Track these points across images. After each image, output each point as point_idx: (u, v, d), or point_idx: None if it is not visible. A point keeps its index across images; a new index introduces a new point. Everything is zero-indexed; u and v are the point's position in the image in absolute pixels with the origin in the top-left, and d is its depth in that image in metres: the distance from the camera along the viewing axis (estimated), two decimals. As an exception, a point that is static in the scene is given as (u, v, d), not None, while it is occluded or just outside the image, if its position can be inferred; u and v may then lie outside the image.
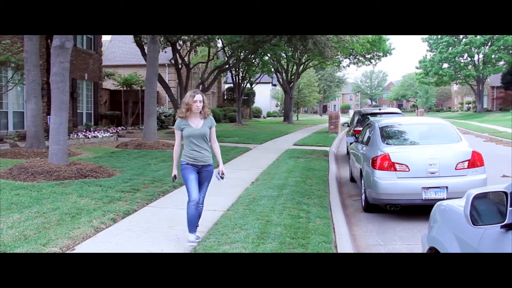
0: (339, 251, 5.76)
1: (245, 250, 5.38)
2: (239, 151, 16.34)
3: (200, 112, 5.78)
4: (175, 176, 5.99)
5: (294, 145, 19.77)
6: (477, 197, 2.48)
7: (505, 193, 2.41)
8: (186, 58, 25.90)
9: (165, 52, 24.91)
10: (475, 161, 7.55)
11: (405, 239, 6.56)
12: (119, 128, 23.81)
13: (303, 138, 23.31)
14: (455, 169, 7.48)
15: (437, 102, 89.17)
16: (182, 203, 7.90)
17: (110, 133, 20.07)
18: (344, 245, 5.99)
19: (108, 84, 28.76)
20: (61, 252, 5.28)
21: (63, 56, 10.14)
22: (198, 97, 5.71)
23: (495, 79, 59.54)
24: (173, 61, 24.63)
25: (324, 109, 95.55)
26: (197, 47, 27.47)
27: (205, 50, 29.43)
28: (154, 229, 6.37)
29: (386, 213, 7.90)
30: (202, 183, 5.92)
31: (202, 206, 5.94)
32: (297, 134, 27.33)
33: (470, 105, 67.44)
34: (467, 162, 7.52)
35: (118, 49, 34.71)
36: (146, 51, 19.24)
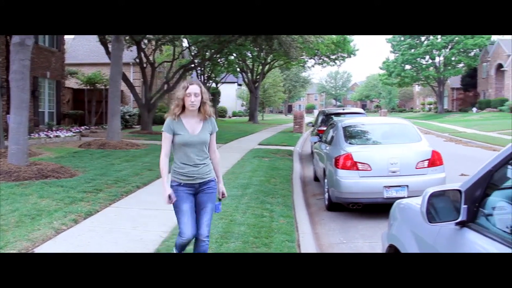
0: (302, 250, 5.81)
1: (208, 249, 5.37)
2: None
3: (199, 110, 4.24)
4: (169, 196, 4.18)
5: (259, 144, 19.81)
6: (434, 195, 2.54)
7: (460, 191, 2.48)
8: (151, 57, 25.64)
9: (130, 51, 24.59)
10: (434, 160, 7.74)
11: (367, 237, 6.67)
12: (82, 127, 23.38)
13: (268, 138, 23.40)
14: (416, 168, 7.65)
15: (400, 103, 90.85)
16: (145, 203, 7.86)
17: (73, 132, 19.69)
18: (307, 244, 6.05)
19: (71, 82, 28.21)
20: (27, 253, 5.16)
21: (23, 54, 9.90)
22: (193, 88, 4.15)
23: (455, 81, 61.08)
24: (137, 60, 24.34)
25: (290, 109, 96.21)
26: (162, 46, 27.21)
27: (171, 49, 29.18)
28: (117, 229, 6.29)
29: (348, 212, 8.01)
30: (203, 207, 4.31)
31: (208, 242, 4.41)
32: (262, 133, 27.41)
33: (431, 105, 68.94)
34: (427, 161, 7.71)
35: (81, 47, 34.05)
36: (110, 49, 18.96)
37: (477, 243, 2.33)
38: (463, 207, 2.44)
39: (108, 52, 20.51)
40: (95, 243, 5.68)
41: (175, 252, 4.51)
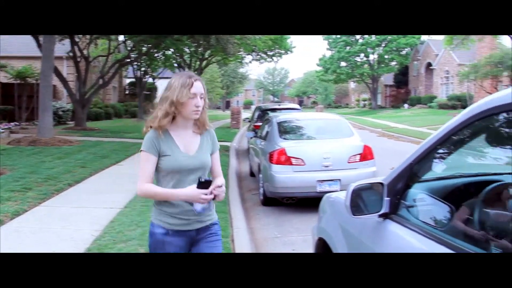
0: (236, 245, 5.82)
1: (140, 247, 5.27)
2: (139, 146, 15.81)
3: (198, 120, 2.88)
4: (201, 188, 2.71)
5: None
6: (358, 189, 2.60)
7: (382, 184, 2.55)
8: (85, 51, 24.87)
9: (63, 44, 23.73)
10: (366, 154, 7.96)
11: (301, 231, 6.76)
12: (12, 123, 22.31)
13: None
14: (348, 162, 7.83)
15: (336, 99, 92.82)
16: (78, 201, 7.62)
17: (2, 129, 18.79)
18: (242, 239, 6.07)
19: (0, 76, 26.90)
20: None
21: None
22: (199, 87, 2.78)
23: (388, 78, 63.15)
24: (71, 54, 23.55)
25: (227, 105, 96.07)
26: (97, 40, 26.44)
27: (106, 43, 28.42)
28: (47, 229, 6.06)
29: (283, 206, 8.10)
30: None
31: None
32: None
33: (365, 102, 70.87)
34: (358, 155, 7.91)
35: (11, 39, 32.52)
36: (41, 42, 18.22)
37: (398, 234, 2.40)
38: (385, 199, 2.50)
39: (39, 45, 19.72)
40: (22, 244, 5.45)
41: None
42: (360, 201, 2.60)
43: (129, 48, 29.50)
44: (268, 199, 8.15)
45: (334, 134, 8.66)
